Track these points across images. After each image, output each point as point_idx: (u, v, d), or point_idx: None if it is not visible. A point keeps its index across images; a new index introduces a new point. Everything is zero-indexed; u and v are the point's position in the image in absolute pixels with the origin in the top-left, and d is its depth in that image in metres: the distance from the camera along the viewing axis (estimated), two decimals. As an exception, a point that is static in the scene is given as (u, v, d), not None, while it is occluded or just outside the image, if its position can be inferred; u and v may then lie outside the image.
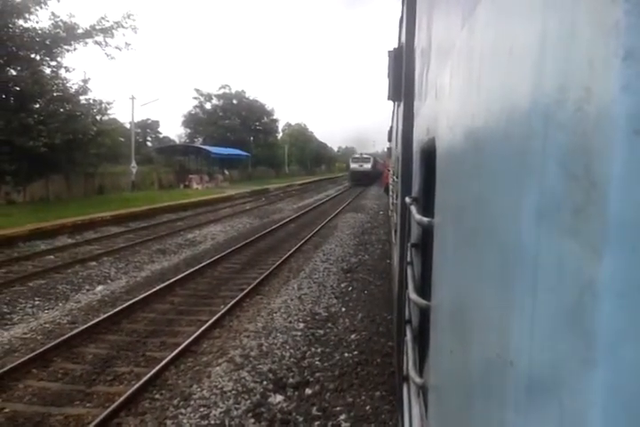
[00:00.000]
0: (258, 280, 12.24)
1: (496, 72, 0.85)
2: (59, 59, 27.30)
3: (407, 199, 2.83)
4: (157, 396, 6.60)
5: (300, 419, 6.15)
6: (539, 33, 0.61)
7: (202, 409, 6.24)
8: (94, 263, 14.11)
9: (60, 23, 26.50)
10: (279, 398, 6.58)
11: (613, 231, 0.42)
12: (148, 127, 70.58)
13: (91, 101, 28.24)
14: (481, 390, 0.87)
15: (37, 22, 26.14)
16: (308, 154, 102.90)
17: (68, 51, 27.36)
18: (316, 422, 6.11)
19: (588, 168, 0.46)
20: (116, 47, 28.91)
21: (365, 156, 63.35)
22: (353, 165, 61.45)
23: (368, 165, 60.49)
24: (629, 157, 0.41)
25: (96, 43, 28.28)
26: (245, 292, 11.20)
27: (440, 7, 1.89)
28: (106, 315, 9.37)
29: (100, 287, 11.86)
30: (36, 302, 10.56)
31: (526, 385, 0.61)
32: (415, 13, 3.61)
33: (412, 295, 2.15)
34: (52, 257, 14.82)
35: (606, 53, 0.43)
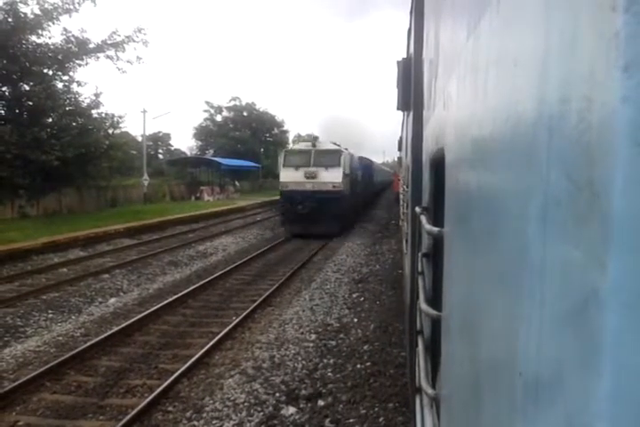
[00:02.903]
0: (269, 291, 12.23)
1: (500, 83, 0.85)
2: (71, 73, 27.66)
3: (417, 209, 2.83)
4: (170, 408, 6.59)
5: (313, 431, 6.12)
6: (541, 44, 0.62)
7: (215, 422, 6.22)
8: (107, 276, 14.17)
9: (72, 38, 26.87)
10: (292, 410, 6.55)
11: (616, 241, 0.42)
12: (160, 140, 71.13)
13: (103, 115, 28.55)
14: (491, 400, 0.87)
15: (50, 38, 26.59)
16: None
17: (79, 65, 27.72)
18: (330, 435, 6.08)
19: (590, 178, 0.46)
20: (128, 61, 29.23)
21: (327, 148, 23.10)
22: (288, 177, 22.64)
23: (334, 175, 22.22)
24: (631, 168, 0.41)
25: (107, 57, 28.63)
26: (257, 303, 11.19)
27: (447, 19, 1.91)
28: (118, 327, 9.39)
29: (112, 300, 11.90)
30: (50, 315, 10.61)
31: (535, 395, 0.61)
32: (423, 25, 3.64)
33: (423, 306, 2.14)
34: (65, 270, 14.91)
35: (607, 64, 0.44)
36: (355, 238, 21.68)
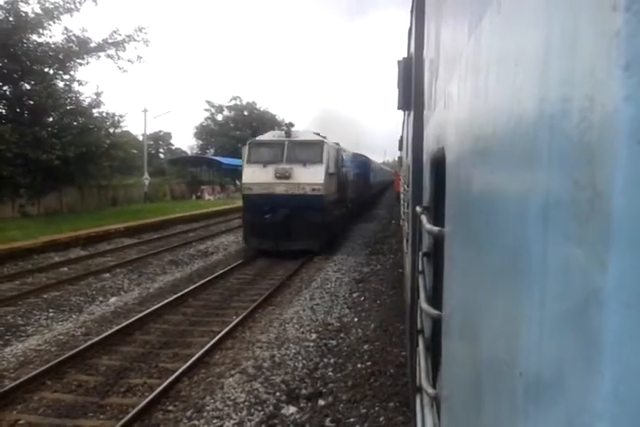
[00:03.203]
0: (270, 291, 12.23)
1: (501, 83, 0.85)
2: (72, 72, 27.68)
3: (418, 208, 2.83)
4: (171, 407, 6.59)
5: (314, 430, 6.12)
6: (542, 44, 0.62)
7: (215, 421, 6.22)
8: (107, 275, 14.17)
9: (73, 37, 26.89)
10: (292, 409, 6.55)
11: (617, 240, 0.42)
12: (161, 139, 71.07)
13: (104, 114, 28.57)
14: (492, 400, 0.87)
15: (51, 37, 26.70)
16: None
17: (80, 64, 27.74)
18: (330, 434, 6.08)
19: (592, 178, 0.46)
20: (129, 60, 29.22)
21: (306, 138, 17.68)
22: (253, 176, 17.20)
23: (315, 174, 16.84)
24: (633, 167, 0.41)
25: (108, 56, 28.63)
26: (257, 302, 11.19)
27: (447, 18, 1.91)
28: (119, 326, 9.40)
29: (113, 299, 11.90)
30: (51, 314, 10.62)
31: (535, 395, 0.61)
32: (424, 24, 3.64)
33: (424, 305, 2.14)
34: (65, 269, 14.91)
35: (608, 63, 0.43)
36: (356, 238, 21.68)
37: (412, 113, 4.67)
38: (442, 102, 1.98)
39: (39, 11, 25.23)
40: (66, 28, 27.00)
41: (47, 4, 25.49)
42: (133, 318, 9.87)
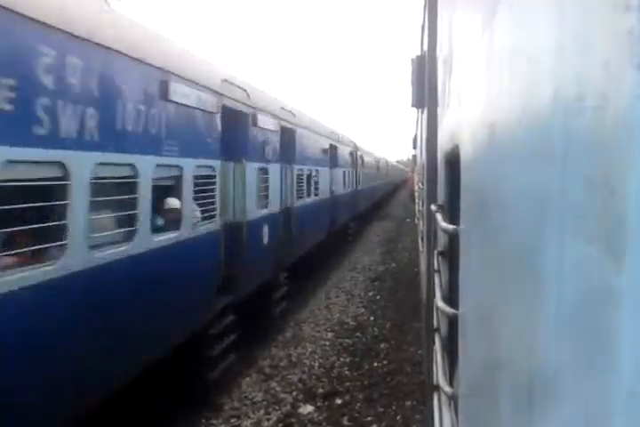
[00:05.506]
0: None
1: (514, 80, 0.85)
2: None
3: (433, 207, 2.83)
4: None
5: (331, 429, 6.12)
6: (556, 42, 0.62)
7: (233, 420, 6.23)
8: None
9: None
10: (309, 408, 6.55)
11: (632, 238, 0.42)
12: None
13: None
14: (509, 398, 0.87)
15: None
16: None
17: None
18: (347, 433, 6.07)
19: (606, 176, 0.46)
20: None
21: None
22: None
23: None
24: None
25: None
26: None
27: (460, 15, 1.90)
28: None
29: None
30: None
31: (553, 393, 0.60)
32: (437, 21, 3.62)
33: (440, 304, 2.14)
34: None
35: (621, 62, 0.43)
36: (371, 236, 21.65)
37: (425, 111, 4.65)
38: (455, 100, 1.98)
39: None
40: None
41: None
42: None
